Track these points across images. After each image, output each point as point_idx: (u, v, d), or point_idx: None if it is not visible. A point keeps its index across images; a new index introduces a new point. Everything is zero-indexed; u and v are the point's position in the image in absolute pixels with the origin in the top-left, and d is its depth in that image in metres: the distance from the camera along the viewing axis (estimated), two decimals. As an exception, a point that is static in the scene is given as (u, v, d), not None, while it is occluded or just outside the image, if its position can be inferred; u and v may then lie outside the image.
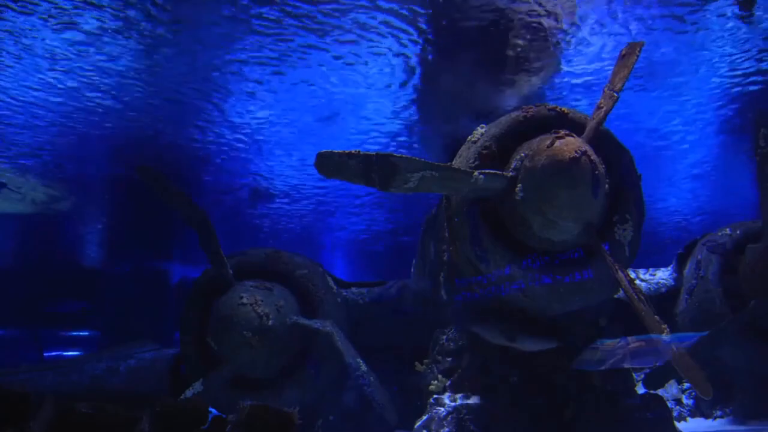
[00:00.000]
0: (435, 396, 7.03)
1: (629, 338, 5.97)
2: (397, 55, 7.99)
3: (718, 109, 10.06)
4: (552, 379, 6.84)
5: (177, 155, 10.54)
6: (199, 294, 7.93)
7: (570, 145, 5.94)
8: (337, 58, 8.00)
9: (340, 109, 9.37)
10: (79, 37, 7.21)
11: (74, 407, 3.78)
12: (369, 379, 7.23)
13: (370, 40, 7.68)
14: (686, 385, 8.98)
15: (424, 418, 6.93)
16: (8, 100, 8.51)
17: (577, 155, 5.85)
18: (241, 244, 8.95)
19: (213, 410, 4.10)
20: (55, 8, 6.68)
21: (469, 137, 6.87)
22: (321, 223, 14.65)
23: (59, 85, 8.23)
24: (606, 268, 6.13)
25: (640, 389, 7.45)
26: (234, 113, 9.37)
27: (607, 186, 6.22)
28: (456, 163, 6.75)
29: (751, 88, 9.38)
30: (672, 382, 8.78)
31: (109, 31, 7.15)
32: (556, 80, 8.97)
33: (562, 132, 6.15)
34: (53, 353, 16.73)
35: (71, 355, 15.38)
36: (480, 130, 6.85)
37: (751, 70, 8.94)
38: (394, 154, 5.67)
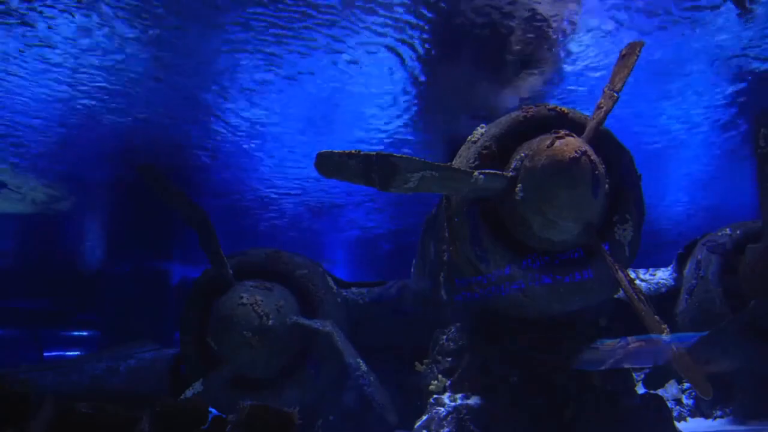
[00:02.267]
0: (435, 396, 7.03)
1: (629, 338, 5.98)
2: (399, 54, 8.00)
3: (718, 109, 10.06)
4: (552, 379, 6.84)
5: (178, 155, 10.54)
6: (199, 294, 7.94)
7: (570, 145, 5.94)
8: (338, 56, 8.00)
9: (342, 109, 9.37)
10: (80, 35, 7.21)
11: (74, 407, 3.77)
12: (369, 379, 7.24)
13: (371, 42, 7.68)
14: (686, 385, 8.98)
15: (424, 418, 6.93)
16: (8, 100, 8.51)
17: (577, 155, 5.85)
18: (245, 245, 8.94)
19: (213, 410, 4.09)
20: (55, 8, 6.69)
21: (469, 137, 6.88)
22: (330, 222, 14.62)
23: (59, 85, 8.23)
24: (606, 268, 6.13)
25: (640, 389, 7.45)
26: (236, 113, 9.36)
27: (607, 186, 6.22)
28: (456, 163, 6.75)
29: (752, 87, 9.39)
30: (672, 382, 8.78)
31: (110, 30, 7.15)
32: (557, 80, 8.97)
33: (562, 132, 6.16)
34: (53, 353, 16.74)
35: (71, 355, 15.39)
36: (480, 130, 6.85)
37: (752, 70, 8.95)
38: (394, 154, 5.67)
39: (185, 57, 7.83)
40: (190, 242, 8.25)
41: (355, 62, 8.12)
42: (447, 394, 6.99)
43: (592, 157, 5.99)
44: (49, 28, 7.01)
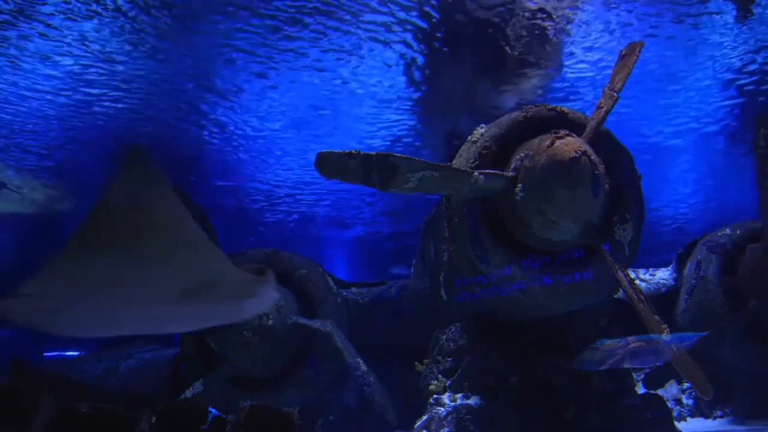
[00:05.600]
0: (435, 396, 7.02)
1: (629, 338, 5.96)
2: (400, 53, 8.00)
3: (718, 109, 10.07)
4: (552, 379, 6.84)
5: (180, 155, 10.55)
6: (199, 294, 7.92)
7: (570, 145, 5.93)
8: (339, 57, 8.01)
9: (342, 108, 9.37)
10: (82, 37, 7.21)
11: (74, 407, 3.77)
12: (369, 379, 7.23)
13: (373, 39, 7.68)
14: (686, 385, 8.98)
15: (424, 418, 6.92)
16: (9, 100, 8.51)
17: (577, 155, 5.85)
18: (246, 245, 8.94)
19: (213, 410, 4.09)
20: (56, 10, 6.69)
21: (469, 137, 6.87)
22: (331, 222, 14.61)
23: (60, 85, 8.23)
24: (606, 268, 6.13)
25: (640, 389, 7.45)
26: (237, 113, 9.38)
27: (607, 186, 6.22)
28: (456, 163, 6.75)
29: (751, 87, 9.39)
30: (672, 382, 8.77)
31: (110, 31, 7.15)
32: (557, 79, 8.98)
33: (562, 132, 6.15)
34: (53, 353, 16.70)
35: (71, 355, 15.36)
36: (480, 130, 6.85)
37: (752, 70, 8.95)
38: (394, 154, 5.67)
39: (186, 57, 7.84)
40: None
41: (356, 59, 8.12)
42: (447, 394, 6.99)
43: (592, 157, 5.99)
44: (50, 27, 7.02)
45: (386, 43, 7.87)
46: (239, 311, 2.56)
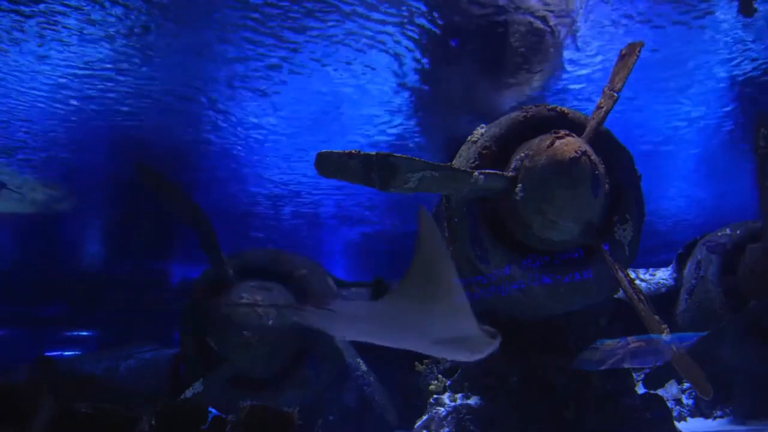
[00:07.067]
0: (435, 396, 7.03)
1: (629, 338, 5.98)
2: (399, 53, 8.00)
3: (718, 108, 10.06)
4: (552, 379, 6.84)
5: (181, 155, 10.54)
6: (199, 294, 7.94)
7: (570, 145, 5.93)
8: (341, 57, 8.01)
9: (342, 108, 9.37)
10: (81, 37, 7.21)
11: (74, 407, 3.78)
12: (369, 379, 7.24)
13: (371, 38, 7.69)
14: (686, 385, 8.99)
15: (424, 418, 6.93)
16: (9, 100, 8.51)
17: (577, 155, 5.85)
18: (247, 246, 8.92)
19: (213, 410, 4.10)
20: (59, 6, 6.69)
21: (469, 137, 6.87)
22: (331, 223, 14.61)
23: (61, 86, 8.23)
24: (606, 268, 6.13)
25: (640, 389, 7.45)
26: (237, 113, 9.37)
27: (607, 186, 6.22)
28: (456, 163, 6.75)
29: (751, 87, 9.40)
30: (672, 382, 8.78)
31: (111, 30, 7.15)
32: (557, 79, 8.98)
33: (562, 132, 6.15)
34: (53, 353, 16.70)
35: (71, 354, 15.38)
36: (480, 130, 6.85)
37: (752, 70, 8.95)
38: (394, 154, 5.66)
39: (191, 57, 7.83)
40: (191, 242, 8.25)
41: (359, 60, 8.12)
42: (447, 394, 7.00)
43: (592, 157, 5.99)
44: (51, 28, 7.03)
45: (390, 53, 7.88)
46: (467, 358, 3.56)
